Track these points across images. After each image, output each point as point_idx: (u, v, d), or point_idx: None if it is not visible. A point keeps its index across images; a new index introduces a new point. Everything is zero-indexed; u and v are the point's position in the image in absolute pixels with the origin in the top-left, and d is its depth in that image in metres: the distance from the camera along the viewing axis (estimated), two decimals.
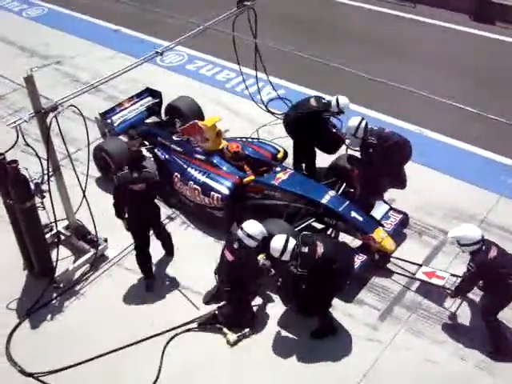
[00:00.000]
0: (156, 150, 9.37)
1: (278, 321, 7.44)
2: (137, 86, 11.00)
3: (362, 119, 8.51)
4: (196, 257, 8.19)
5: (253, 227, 6.99)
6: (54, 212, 7.49)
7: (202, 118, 9.88)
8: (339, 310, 7.51)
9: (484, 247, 6.71)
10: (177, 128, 9.70)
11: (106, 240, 8.35)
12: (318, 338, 7.22)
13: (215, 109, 10.78)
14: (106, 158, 9.32)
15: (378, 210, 8.44)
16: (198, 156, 8.98)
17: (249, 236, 6.92)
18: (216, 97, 11.60)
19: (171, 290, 7.90)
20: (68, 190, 8.01)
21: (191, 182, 8.69)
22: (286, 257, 6.83)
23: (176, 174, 8.91)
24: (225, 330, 7.26)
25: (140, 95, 10.56)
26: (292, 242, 6.83)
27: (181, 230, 8.79)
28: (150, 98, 10.55)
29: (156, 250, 8.34)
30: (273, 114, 10.81)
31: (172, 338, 7.25)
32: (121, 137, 9.84)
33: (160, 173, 8.81)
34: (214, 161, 8.85)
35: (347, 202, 8.10)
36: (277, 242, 6.86)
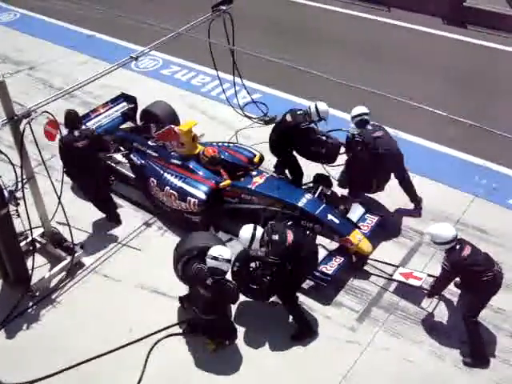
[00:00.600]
0: (132, 156, 9.33)
1: (258, 324, 7.43)
2: (111, 91, 10.93)
3: (363, 114, 8.55)
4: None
5: (224, 251, 6.84)
6: (28, 220, 7.41)
7: (177, 122, 9.84)
8: (318, 312, 7.55)
9: (458, 246, 6.81)
10: (152, 133, 9.65)
11: (82, 247, 8.28)
12: (298, 340, 7.24)
13: (191, 113, 10.75)
14: None
15: (355, 212, 8.48)
16: (174, 161, 8.95)
17: (227, 261, 6.79)
18: (191, 101, 11.58)
19: (148, 295, 7.85)
20: (43, 197, 7.93)
21: (167, 188, 8.65)
22: (256, 245, 6.98)
23: (152, 179, 8.86)
24: (206, 340, 7.22)
25: (115, 101, 10.48)
26: (259, 230, 7.00)
27: (157, 235, 8.76)
28: (124, 104, 10.48)
29: (134, 253, 8.33)
30: (249, 118, 10.82)
31: (155, 344, 7.20)
32: None
33: (136, 178, 8.86)
34: (190, 166, 8.82)
35: (323, 205, 8.15)
36: (245, 232, 7.03)
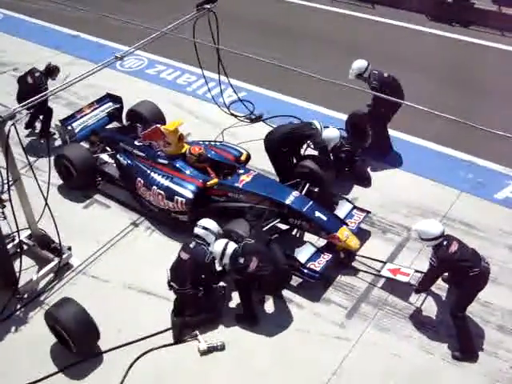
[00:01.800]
0: (118, 156, 9.30)
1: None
2: (97, 91, 10.90)
3: (368, 65, 9.50)
4: (161, 262, 8.10)
5: (208, 221, 7.50)
6: (15, 222, 7.36)
7: (163, 122, 9.84)
8: (306, 309, 7.57)
9: (445, 242, 6.84)
10: (138, 133, 9.63)
11: (69, 248, 8.25)
12: (238, 320, 7.44)
13: (177, 112, 10.74)
14: (67, 165, 9.23)
15: (342, 209, 8.51)
16: (161, 160, 8.93)
17: (205, 228, 7.38)
18: (177, 100, 11.55)
19: (136, 295, 7.84)
20: (29, 199, 7.88)
21: (155, 187, 8.64)
22: (226, 260, 7.20)
23: (139, 179, 8.85)
24: (199, 337, 7.23)
25: (100, 101, 10.47)
26: (231, 248, 7.20)
27: (145, 235, 8.74)
28: (110, 104, 10.48)
29: (122, 253, 8.31)
30: (235, 116, 10.82)
31: (145, 352, 7.15)
32: (82, 143, 9.77)
33: (123, 178, 8.83)
34: (177, 165, 8.80)
35: (311, 202, 8.16)
36: (217, 246, 7.25)
